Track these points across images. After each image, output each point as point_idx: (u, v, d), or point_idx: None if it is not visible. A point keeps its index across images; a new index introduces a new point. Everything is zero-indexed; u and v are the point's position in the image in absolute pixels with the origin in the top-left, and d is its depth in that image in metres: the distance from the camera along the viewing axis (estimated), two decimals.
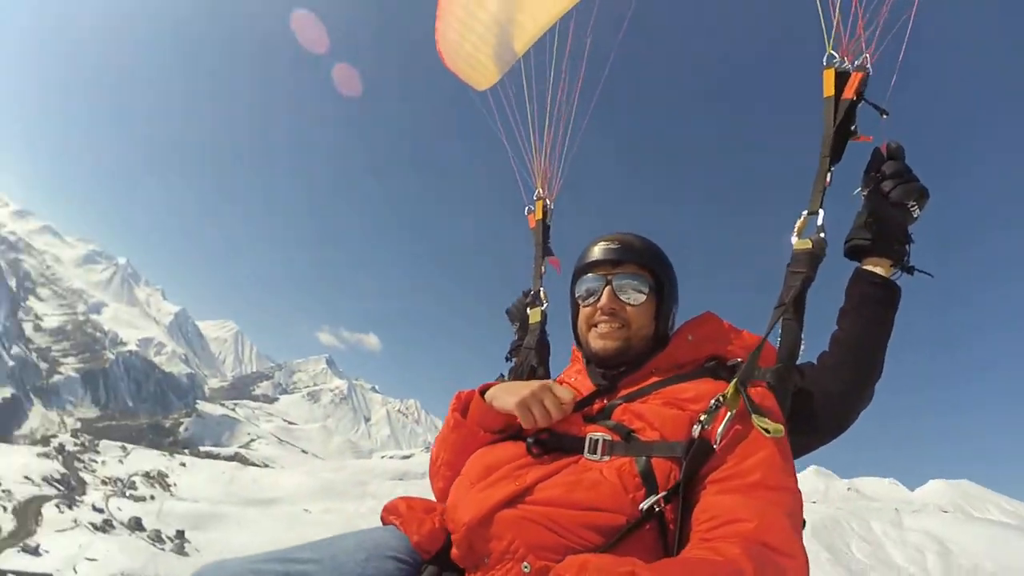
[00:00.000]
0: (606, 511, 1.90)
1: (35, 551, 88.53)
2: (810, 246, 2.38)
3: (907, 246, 2.45)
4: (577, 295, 2.56)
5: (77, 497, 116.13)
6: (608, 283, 2.43)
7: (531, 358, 3.26)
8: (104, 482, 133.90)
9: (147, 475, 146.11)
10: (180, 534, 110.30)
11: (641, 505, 1.90)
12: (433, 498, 2.47)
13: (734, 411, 1.99)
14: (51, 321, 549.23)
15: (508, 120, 3.73)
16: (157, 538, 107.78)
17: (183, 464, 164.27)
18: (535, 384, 2.27)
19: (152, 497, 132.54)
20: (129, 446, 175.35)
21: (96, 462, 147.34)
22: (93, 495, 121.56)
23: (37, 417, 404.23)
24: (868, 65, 2.49)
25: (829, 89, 2.52)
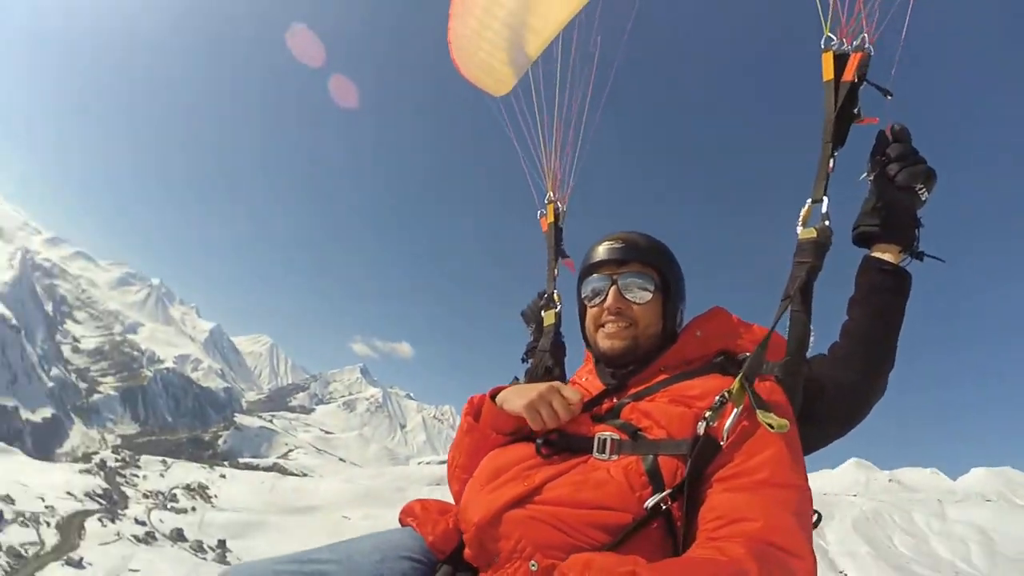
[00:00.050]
0: (612, 510, 1.90)
1: (78, 564, 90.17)
2: (815, 235, 2.32)
3: (916, 231, 2.39)
4: (583, 296, 2.55)
5: (119, 511, 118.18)
6: (613, 283, 2.42)
7: (546, 359, 3.27)
8: (146, 495, 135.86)
9: (188, 487, 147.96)
10: (222, 543, 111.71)
11: (646, 503, 1.90)
12: None
13: (740, 407, 1.96)
14: (89, 342, 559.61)
15: (519, 124, 3.77)
16: (199, 548, 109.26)
17: (223, 476, 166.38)
18: (543, 386, 2.26)
19: (193, 509, 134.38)
20: (169, 460, 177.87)
21: (137, 476, 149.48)
22: (135, 508, 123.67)
23: (78, 435, 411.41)
24: (868, 45, 2.43)
25: (828, 72, 2.46)
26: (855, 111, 2.42)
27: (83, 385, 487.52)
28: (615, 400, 2.29)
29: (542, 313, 3.51)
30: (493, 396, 2.39)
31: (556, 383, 2.31)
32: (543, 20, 3.62)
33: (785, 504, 1.79)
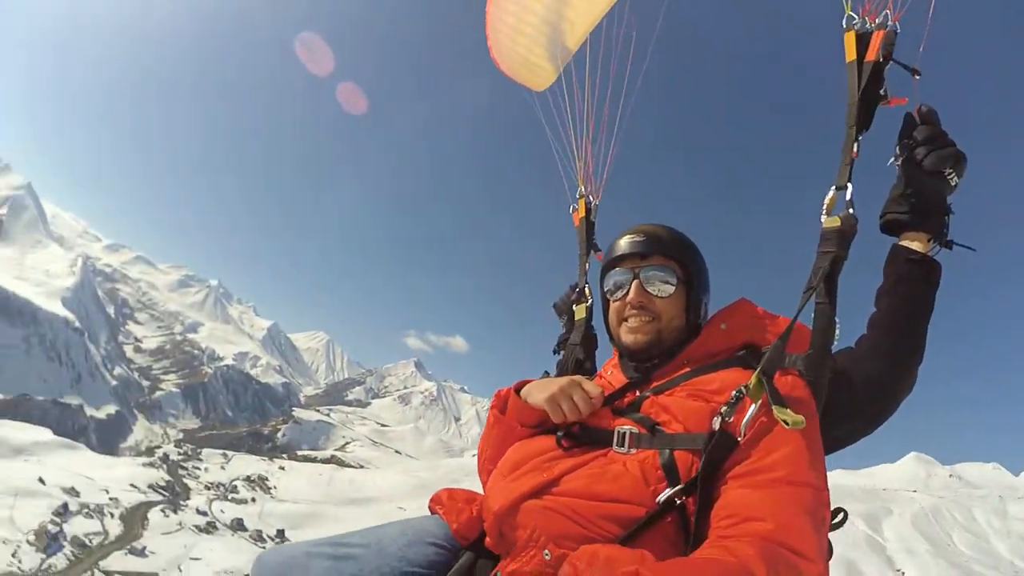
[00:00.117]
0: (626, 503, 1.90)
1: (141, 552, 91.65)
2: (839, 224, 2.24)
3: (946, 217, 2.31)
4: (605, 290, 2.55)
5: (182, 502, 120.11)
6: (635, 276, 2.41)
7: (576, 352, 3.28)
8: (207, 487, 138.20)
9: (248, 479, 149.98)
10: (280, 533, 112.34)
11: (658, 498, 1.90)
12: None
13: (758, 402, 1.93)
14: (150, 343, 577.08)
15: (553, 119, 3.80)
16: (259, 537, 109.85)
17: (282, 468, 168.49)
18: (564, 380, 2.28)
19: (253, 499, 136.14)
20: (230, 453, 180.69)
21: (199, 469, 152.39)
22: (197, 499, 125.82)
23: (141, 431, 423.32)
24: (892, 23, 2.34)
25: (851, 53, 2.38)
26: (881, 92, 2.33)
27: (146, 383, 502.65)
28: (637, 394, 2.29)
29: (573, 307, 3.49)
30: (518, 390, 2.41)
31: (577, 377, 2.35)
32: (580, 12, 3.62)
33: (799, 504, 1.76)
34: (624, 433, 2.08)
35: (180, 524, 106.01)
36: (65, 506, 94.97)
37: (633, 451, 2.03)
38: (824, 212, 2.31)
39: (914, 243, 2.32)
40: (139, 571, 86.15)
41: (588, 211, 3.74)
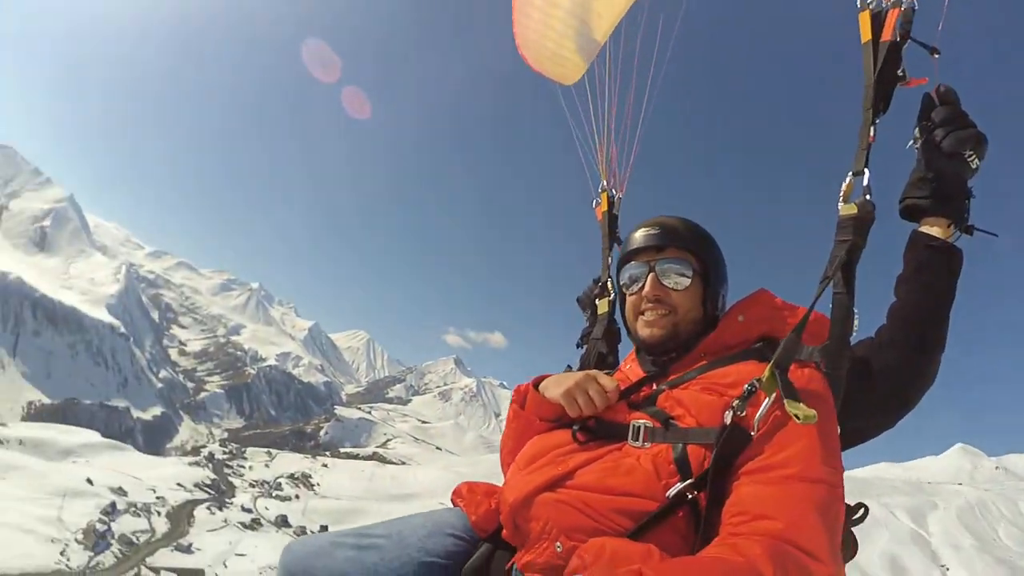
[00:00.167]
0: (638, 497, 1.90)
1: (187, 549, 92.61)
2: (855, 211, 2.17)
3: (967, 202, 2.25)
4: (621, 283, 2.52)
5: (227, 499, 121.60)
6: (651, 270, 2.37)
7: (599, 346, 3.27)
8: (252, 485, 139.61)
9: (292, 476, 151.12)
10: (324, 529, 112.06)
11: (668, 492, 1.88)
12: None
13: (772, 396, 1.88)
14: (194, 345, 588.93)
15: (577, 112, 3.79)
16: (302, 533, 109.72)
17: (325, 465, 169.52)
18: (580, 375, 2.28)
19: (297, 496, 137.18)
20: (274, 451, 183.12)
21: (244, 467, 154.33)
22: (242, 497, 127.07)
23: (187, 431, 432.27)
24: (908, 1, 2.25)
25: (866, 33, 2.29)
26: (899, 72, 2.25)
27: (190, 384, 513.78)
28: (653, 387, 2.27)
29: (596, 301, 3.48)
30: (536, 384, 2.41)
31: (593, 371, 2.34)
32: (608, 3, 3.58)
33: (812, 502, 1.72)
34: (639, 427, 2.07)
35: (225, 521, 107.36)
36: (113, 505, 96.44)
37: (647, 445, 2.03)
38: (841, 199, 2.23)
39: (934, 229, 2.24)
40: (185, 567, 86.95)
41: (610, 204, 3.71)
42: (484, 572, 2.16)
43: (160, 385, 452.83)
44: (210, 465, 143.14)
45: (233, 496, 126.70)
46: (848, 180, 2.22)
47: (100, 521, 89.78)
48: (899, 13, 2.23)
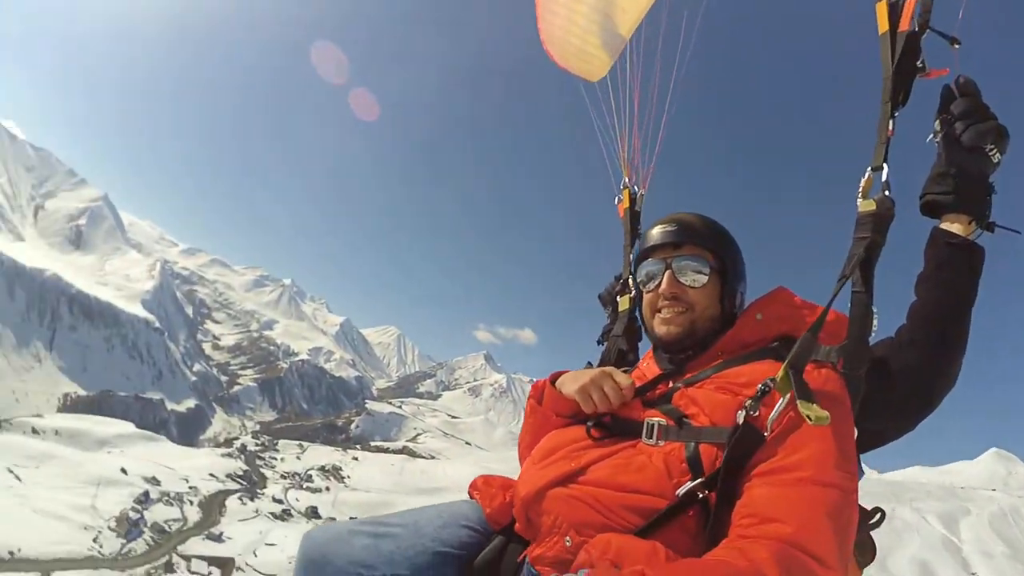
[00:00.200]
0: (648, 494, 1.89)
1: (218, 538, 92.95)
2: (874, 207, 2.11)
3: (988, 198, 2.19)
4: (638, 281, 2.51)
5: (258, 490, 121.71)
6: (668, 267, 2.36)
7: (619, 343, 3.26)
8: (283, 476, 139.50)
9: (322, 469, 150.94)
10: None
11: (679, 490, 1.87)
12: None
13: (786, 396, 1.84)
14: (228, 340, 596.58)
15: (600, 109, 3.79)
16: None
17: (355, 458, 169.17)
18: (595, 371, 2.29)
19: (327, 488, 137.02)
20: (305, 444, 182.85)
21: (275, 459, 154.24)
22: (273, 488, 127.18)
23: (220, 423, 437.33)
24: None
25: (883, 24, 2.22)
26: (918, 64, 2.17)
27: (224, 378, 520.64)
28: (669, 385, 2.26)
29: (617, 298, 3.45)
30: (554, 380, 2.43)
31: (609, 368, 2.33)
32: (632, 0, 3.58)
33: (823, 506, 1.69)
34: (653, 425, 2.06)
35: (256, 511, 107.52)
36: (146, 494, 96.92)
37: (661, 443, 2.01)
38: (860, 195, 2.16)
39: (955, 225, 2.19)
40: (216, 555, 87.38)
41: (632, 201, 3.71)
42: (496, 564, 2.15)
43: (194, 378, 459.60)
44: (242, 456, 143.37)
45: (264, 487, 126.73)
46: (867, 176, 2.15)
47: (133, 509, 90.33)
48: (917, 2, 2.16)
